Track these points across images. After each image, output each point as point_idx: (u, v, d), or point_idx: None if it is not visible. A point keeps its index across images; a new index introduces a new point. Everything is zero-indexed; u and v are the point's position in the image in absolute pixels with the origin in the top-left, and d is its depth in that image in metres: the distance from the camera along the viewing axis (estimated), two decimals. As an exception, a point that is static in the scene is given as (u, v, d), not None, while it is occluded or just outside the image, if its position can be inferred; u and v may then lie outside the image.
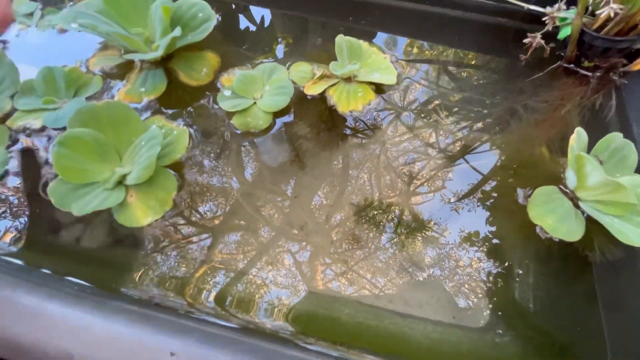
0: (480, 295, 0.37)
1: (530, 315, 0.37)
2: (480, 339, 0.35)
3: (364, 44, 0.50)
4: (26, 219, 0.40)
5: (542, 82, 0.53)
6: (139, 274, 0.37)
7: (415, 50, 0.57)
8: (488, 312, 0.37)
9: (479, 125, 0.49)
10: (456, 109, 0.50)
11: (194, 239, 0.39)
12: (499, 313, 0.36)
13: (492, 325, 0.36)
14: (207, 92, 0.49)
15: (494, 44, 0.57)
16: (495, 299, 0.37)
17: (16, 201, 0.41)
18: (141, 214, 0.38)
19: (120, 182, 0.39)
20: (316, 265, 0.39)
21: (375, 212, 0.42)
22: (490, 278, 0.39)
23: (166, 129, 0.44)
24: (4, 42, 0.52)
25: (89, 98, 0.47)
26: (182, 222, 0.40)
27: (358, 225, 0.41)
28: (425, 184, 0.44)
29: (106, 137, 0.40)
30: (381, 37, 0.57)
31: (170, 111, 0.47)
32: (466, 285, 0.38)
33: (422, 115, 0.49)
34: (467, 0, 0.57)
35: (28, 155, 0.43)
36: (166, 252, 0.38)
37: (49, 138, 0.44)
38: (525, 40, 0.48)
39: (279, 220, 0.41)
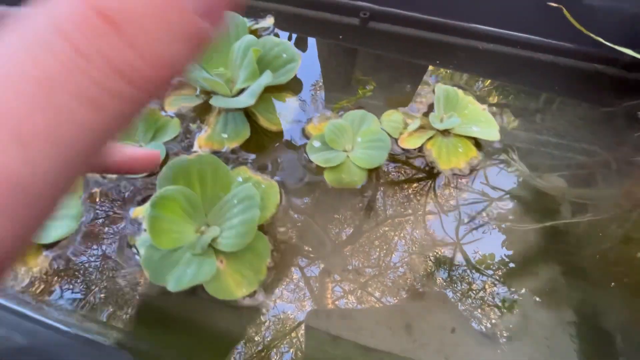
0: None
1: None
2: None
3: (460, 92, 0.48)
4: (103, 290, 0.37)
5: (651, 139, 0.50)
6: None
7: (506, 97, 0.54)
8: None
9: (572, 177, 0.45)
10: (544, 158, 0.47)
11: (291, 315, 0.36)
12: None
13: None
14: (290, 140, 0.46)
15: (588, 90, 0.55)
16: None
17: (89, 263, 0.38)
18: (234, 285, 0.35)
19: (209, 245, 0.37)
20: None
21: (445, 270, 0.38)
22: (590, 349, 0.34)
23: (253, 182, 0.41)
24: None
25: (166, 143, 0.44)
26: (277, 294, 0.37)
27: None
28: (508, 240, 0.40)
29: (195, 192, 0.37)
30: (470, 82, 0.54)
31: (253, 160, 0.44)
32: (554, 351, 0.34)
33: (510, 168, 0.46)
34: (560, 45, 0.55)
35: (105, 207, 0.41)
36: (262, 333, 0.35)
37: (128, 187, 0.42)
38: None
39: (385, 291, 0.37)
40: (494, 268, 0.39)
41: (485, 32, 0.56)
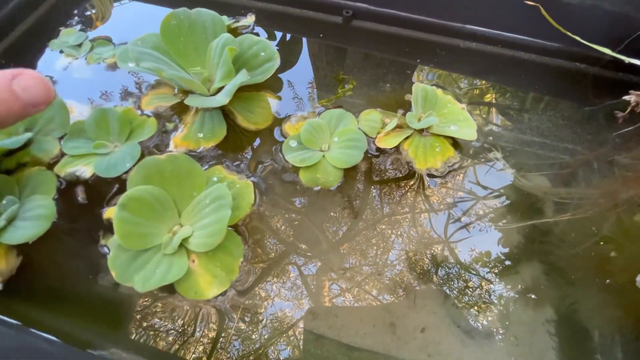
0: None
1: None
2: None
3: (439, 91, 0.48)
4: (75, 284, 0.37)
5: (632, 136, 0.50)
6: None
7: (485, 95, 0.54)
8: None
9: (554, 176, 0.45)
10: (527, 157, 0.47)
11: (264, 317, 0.36)
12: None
13: None
14: (267, 139, 0.46)
15: (569, 89, 0.55)
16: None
17: (60, 265, 0.38)
18: (206, 285, 0.35)
19: (181, 245, 0.37)
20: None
21: (428, 268, 0.38)
22: (567, 346, 0.35)
23: (228, 182, 0.41)
24: (50, 76, 0.51)
25: (141, 143, 0.44)
26: (249, 294, 0.37)
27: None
28: (491, 238, 0.41)
29: (167, 193, 0.37)
30: (449, 80, 0.55)
31: (229, 160, 0.44)
32: (531, 348, 0.34)
33: (493, 167, 0.46)
34: (542, 44, 0.55)
35: (77, 207, 0.40)
36: (230, 336, 0.35)
37: (101, 187, 0.42)
38: (627, 98, 0.46)
39: (363, 293, 0.37)
40: (475, 267, 0.39)
41: (468, 31, 0.56)
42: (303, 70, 0.54)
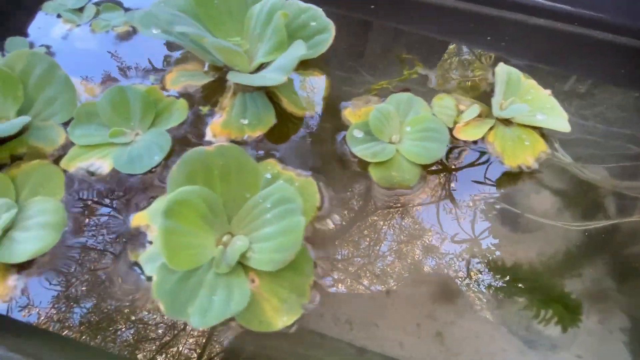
0: None
1: None
2: None
3: (521, 75, 0.42)
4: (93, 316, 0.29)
5: None
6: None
7: (552, 79, 0.49)
8: None
9: (619, 168, 0.41)
10: (590, 147, 0.42)
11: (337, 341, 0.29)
12: None
13: None
14: (321, 126, 0.39)
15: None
16: None
17: (77, 289, 0.29)
18: (272, 312, 0.28)
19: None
20: None
21: (481, 268, 0.33)
22: None
23: (285, 180, 0.34)
24: (46, 45, 0.42)
25: (170, 130, 0.36)
26: (325, 324, 0.30)
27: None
28: (550, 237, 0.36)
29: (217, 194, 0.30)
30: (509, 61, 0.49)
31: (281, 152, 0.37)
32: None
33: (571, 163, 0.41)
34: (618, 23, 0.50)
35: (94, 213, 0.32)
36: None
37: (124, 186, 0.33)
38: None
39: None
40: (534, 269, 0.34)
41: (537, 5, 0.50)
42: (354, 46, 0.47)
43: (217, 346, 0.28)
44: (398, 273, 0.32)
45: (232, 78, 0.34)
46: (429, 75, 0.44)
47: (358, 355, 0.29)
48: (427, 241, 0.34)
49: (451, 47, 0.47)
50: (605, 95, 0.47)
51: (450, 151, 0.38)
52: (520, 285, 0.33)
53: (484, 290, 0.32)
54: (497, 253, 0.34)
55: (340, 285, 0.31)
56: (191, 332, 0.29)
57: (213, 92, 0.40)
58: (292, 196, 0.29)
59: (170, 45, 0.43)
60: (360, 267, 0.32)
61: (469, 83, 0.44)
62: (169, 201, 0.25)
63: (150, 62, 0.41)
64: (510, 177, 0.38)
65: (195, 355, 0.28)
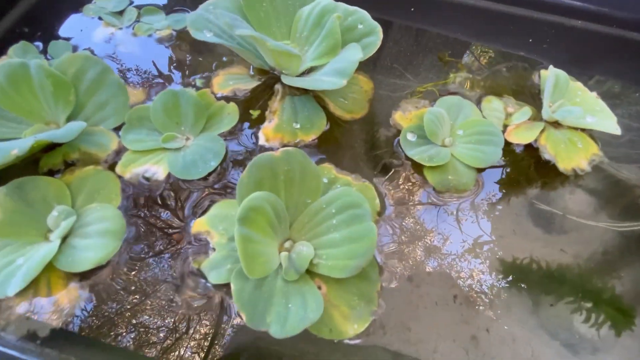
0: None
1: None
2: None
3: (568, 77, 0.42)
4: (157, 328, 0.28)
5: None
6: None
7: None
8: None
9: None
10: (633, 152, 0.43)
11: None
12: None
13: None
14: (371, 130, 0.39)
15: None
16: None
17: (143, 298, 0.29)
18: (341, 320, 0.27)
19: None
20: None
21: (524, 271, 0.32)
22: None
23: (342, 184, 0.34)
24: (89, 49, 0.41)
25: (222, 135, 0.35)
26: (395, 334, 0.30)
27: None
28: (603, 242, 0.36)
29: (281, 200, 0.29)
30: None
31: (334, 156, 0.36)
32: None
33: (626, 170, 0.41)
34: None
35: (153, 219, 0.31)
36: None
37: (180, 192, 0.33)
38: None
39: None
40: (571, 270, 0.33)
41: (580, 8, 0.50)
42: (396, 49, 0.46)
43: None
44: (449, 276, 0.32)
45: (288, 82, 0.34)
46: (474, 78, 0.45)
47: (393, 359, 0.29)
48: (478, 245, 0.34)
49: (492, 49, 0.47)
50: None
51: (503, 154, 0.38)
52: (560, 287, 0.32)
53: (524, 293, 0.31)
54: (542, 255, 0.33)
55: (399, 290, 0.31)
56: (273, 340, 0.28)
57: (261, 95, 0.40)
58: (358, 201, 0.29)
59: (213, 50, 0.42)
60: (423, 271, 0.32)
61: (514, 86, 0.43)
62: (243, 208, 0.25)
63: (195, 66, 0.41)
64: (562, 180, 0.38)
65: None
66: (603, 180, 0.38)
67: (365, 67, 0.44)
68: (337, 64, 0.34)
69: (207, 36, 0.35)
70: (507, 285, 0.32)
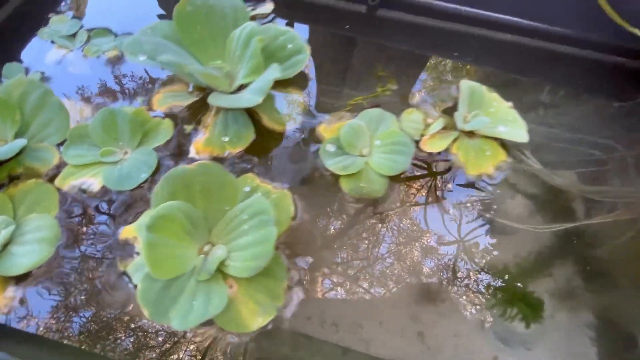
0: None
1: None
2: None
3: (484, 89, 0.45)
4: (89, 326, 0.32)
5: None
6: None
7: (520, 90, 0.52)
8: None
9: (586, 173, 0.43)
10: (558, 153, 0.46)
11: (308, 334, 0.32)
12: None
13: None
14: (298, 141, 0.42)
15: (606, 83, 0.53)
16: None
17: (70, 298, 0.33)
18: (249, 315, 0.31)
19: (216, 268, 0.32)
20: None
21: (461, 273, 0.36)
22: (610, 352, 0.33)
23: (262, 192, 0.37)
24: (42, 72, 0.44)
25: (157, 149, 0.39)
26: (295, 325, 0.33)
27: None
28: (524, 240, 0.39)
29: (197, 209, 0.33)
30: (480, 74, 0.52)
31: (259, 167, 0.40)
32: (571, 355, 0.33)
33: (541, 169, 0.44)
34: (580, 36, 0.53)
35: (87, 227, 0.35)
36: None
37: (113, 202, 0.37)
38: None
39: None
40: (508, 271, 0.37)
41: (505, 22, 0.53)
42: (330, 65, 0.50)
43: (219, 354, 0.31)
44: (373, 276, 0.35)
45: (212, 101, 0.38)
46: (401, 91, 0.48)
47: (342, 355, 0.32)
48: (402, 246, 0.37)
49: (422, 63, 0.51)
50: (570, 105, 0.50)
51: (417, 163, 0.42)
52: (494, 285, 0.36)
53: (461, 292, 0.35)
54: (471, 256, 0.37)
55: (318, 288, 0.34)
56: (192, 339, 0.32)
57: (198, 111, 0.43)
58: (266, 208, 0.32)
59: (157, 68, 0.46)
60: (335, 271, 0.36)
61: (438, 98, 0.47)
62: (152, 217, 0.28)
63: (138, 85, 0.44)
64: (478, 185, 0.41)
65: None
66: (524, 184, 0.42)
67: (301, 81, 0.48)
68: (258, 82, 0.38)
69: (141, 59, 0.38)
70: (411, 282, 0.35)
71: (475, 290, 0.35)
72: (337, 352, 0.32)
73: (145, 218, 0.35)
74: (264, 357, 0.31)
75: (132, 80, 0.45)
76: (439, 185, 0.41)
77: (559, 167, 0.44)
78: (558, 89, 0.52)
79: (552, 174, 0.44)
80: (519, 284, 0.36)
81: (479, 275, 0.36)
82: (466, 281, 0.36)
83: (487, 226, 0.39)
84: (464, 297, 0.35)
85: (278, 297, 0.32)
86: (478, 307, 0.35)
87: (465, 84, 0.42)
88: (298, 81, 0.47)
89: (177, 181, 0.32)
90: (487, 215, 0.40)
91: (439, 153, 0.42)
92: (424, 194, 0.40)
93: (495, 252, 0.38)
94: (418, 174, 0.41)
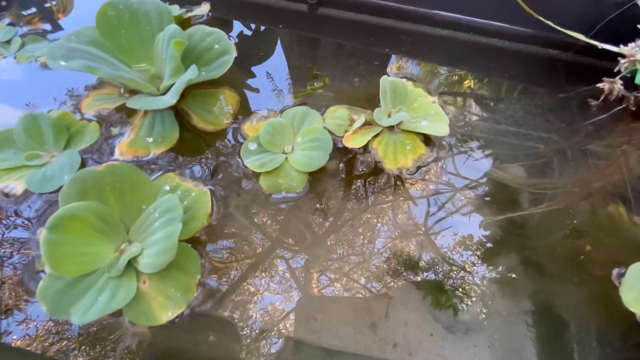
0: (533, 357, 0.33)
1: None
2: None
3: (408, 84, 0.46)
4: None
5: (605, 125, 0.50)
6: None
7: (456, 83, 0.53)
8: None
9: (530, 166, 0.45)
10: (503, 147, 0.47)
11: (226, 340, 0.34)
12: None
13: None
14: (226, 140, 0.44)
15: (543, 76, 0.55)
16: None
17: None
18: (158, 308, 0.32)
19: (130, 264, 0.34)
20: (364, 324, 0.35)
21: (410, 265, 0.38)
22: (544, 337, 0.35)
23: (182, 191, 0.39)
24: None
25: (83, 151, 0.41)
26: (209, 316, 0.35)
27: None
28: (469, 232, 0.40)
29: (110, 208, 0.34)
30: (420, 69, 0.53)
31: (184, 165, 0.41)
32: (510, 340, 0.34)
33: (469, 158, 0.45)
34: (514, 30, 0.54)
35: (7, 230, 0.37)
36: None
37: (35, 204, 0.38)
38: (602, 85, 0.45)
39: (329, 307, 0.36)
40: (452, 262, 0.38)
41: (438, 17, 0.54)
42: (269, 64, 0.51)
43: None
44: (289, 269, 0.37)
45: (131, 104, 0.39)
46: (334, 88, 0.49)
47: (295, 347, 0.34)
48: (324, 238, 0.39)
49: (356, 60, 0.52)
50: (514, 99, 0.52)
51: (338, 158, 0.43)
52: (438, 276, 0.37)
53: (406, 283, 0.37)
54: (409, 249, 0.38)
55: (227, 280, 0.36)
56: (100, 334, 0.33)
57: (127, 114, 0.45)
58: (175, 206, 0.34)
59: (86, 74, 0.47)
60: (248, 262, 0.37)
61: (366, 95, 0.48)
62: (53, 217, 0.30)
63: (68, 90, 0.46)
64: (396, 178, 0.43)
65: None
66: (428, 179, 0.43)
67: (234, 80, 0.49)
68: (177, 84, 0.39)
69: (62, 64, 0.39)
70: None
71: (419, 282, 0.37)
72: (242, 339, 0.34)
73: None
74: (172, 345, 0.33)
75: (62, 85, 0.46)
76: (357, 180, 0.42)
77: (504, 161, 0.45)
78: (500, 84, 0.53)
79: (496, 167, 0.46)
80: (456, 274, 0.38)
81: (418, 268, 0.38)
82: (403, 273, 0.37)
83: (408, 220, 0.41)
84: (410, 289, 0.36)
85: (190, 291, 0.34)
86: (425, 297, 0.36)
87: (385, 80, 0.43)
88: (230, 81, 0.49)
89: (85, 182, 0.33)
90: (406, 206, 0.41)
91: (361, 149, 0.44)
92: (342, 189, 0.41)
93: (413, 243, 0.39)
94: (338, 169, 0.42)
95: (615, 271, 0.37)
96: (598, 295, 0.37)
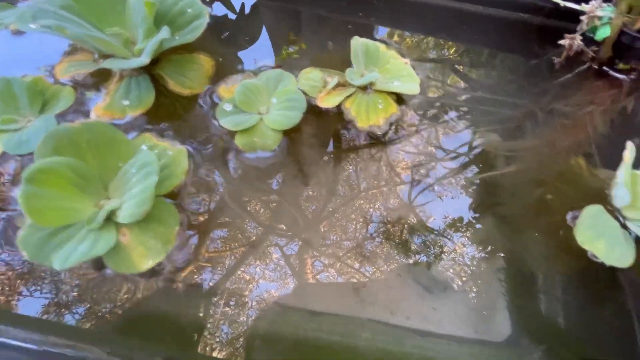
0: (504, 309, 0.36)
1: (561, 332, 0.36)
2: (509, 357, 0.35)
3: (381, 46, 0.48)
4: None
5: (570, 84, 0.53)
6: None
7: (430, 50, 0.55)
8: (513, 326, 0.36)
9: (504, 130, 0.47)
10: (479, 114, 0.49)
11: (206, 287, 0.36)
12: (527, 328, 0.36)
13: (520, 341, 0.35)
14: (202, 103, 0.45)
15: (516, 41, 0.57)
16: (520, 312, 0.36)
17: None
18: (138, 258, 0.34)
19: (110, 218, 0.35)
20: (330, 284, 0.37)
21: (390, 230, 0.40)
22: (516, 291, 0.38)
23: (159, 150, 0.40)
24: (-56, 45, 0.46)
25: (59, 115, 0.41)
26: (188, 263, 0.37)
27: (370, 242, 0.39)
28: (448, 197, 0.43)
29: (87, 165, 0.36)
30: (393, 34, 0.55)
31: (161, 127, 0.42)
32: (484, 296, 0.37)
33: (446, 126, 0.47)
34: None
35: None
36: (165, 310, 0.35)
37: (15, 167, 0.39)
38: (563, 42, 0.47)
39: (297, 252, 0.38)
40: (432, 226, 0.41)
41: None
42: (245, 30, 0.52)
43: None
44: (263, 225, 0.39)
45: (107, 65, 0.40)
46: (309, 53, 0.50)
47: (281, 310, 0.36)
48: (296, 194, 0.41)
49: (331, 24, 0.53)
50: (489, 65, 0.53)
51: (311, 119, 0.44)
52: (416, 238, 0.40)
53: (388, 248, 0.39)
54: (387, 211, 0.40)
55: (206, 231, 0.38)
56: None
57: (102, 79, 0.45)
58: (151, 160, 0.35)
59: (61, 40, 0.47)
60: (224, 217, 0.39)
61: (342, 59, 0.49)
62: (31, 170, 0.31)
63: (42, 55, 0.46)
64: (367, 137, 0.45)
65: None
66: (401, 141, 0.45)
67: (209, 45, 0.50)
68: (149, 45, 0.40)
69: (32, 27, 0.40)
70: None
71: (397, 244, 0.39)
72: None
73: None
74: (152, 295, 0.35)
75: (36, 52, 0.46)
76: (330, 138, 0.44)
77: (481, 126, 0.47)
78: (473, 51, 0.55)
79: (474, 133, 0.48)
80: (433, 235, 0.40)
81: (398, 230, 0.40)
82: (377, 234, 0.39)
83: (381, 176, 0.43)
84: (379, 249, 0.38)
85: (169, 241, 0.36)
86: (405, 260, 0.38)
87: (357, 41, 0.44)
88: (205, 47, 0.49)
89: (60, 138, 0.34)
90: (380, 166, 0.43)
91: (335, 109, 0.45)
92: (315, 147, 0.43)
93: (391, 203, 0.41)
94: (311, 129, 0.44)
95: (569, 215, 0.40)
96: (558, 242, 0.40)
